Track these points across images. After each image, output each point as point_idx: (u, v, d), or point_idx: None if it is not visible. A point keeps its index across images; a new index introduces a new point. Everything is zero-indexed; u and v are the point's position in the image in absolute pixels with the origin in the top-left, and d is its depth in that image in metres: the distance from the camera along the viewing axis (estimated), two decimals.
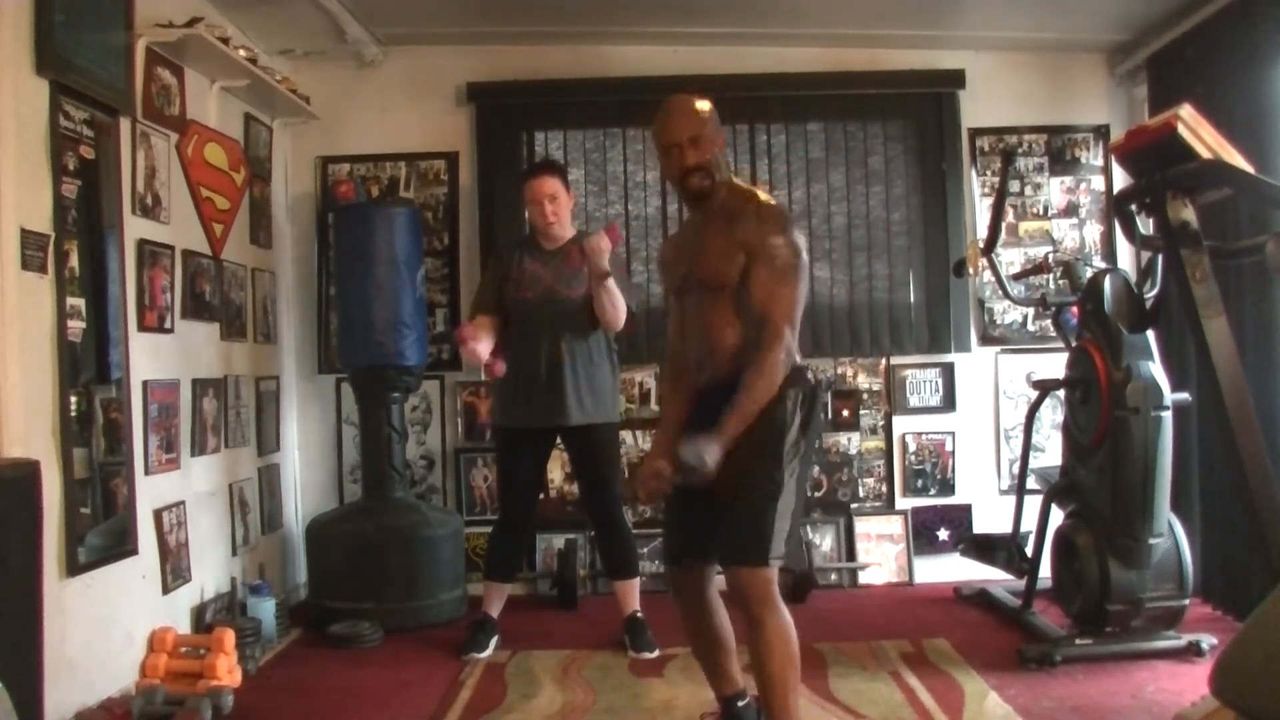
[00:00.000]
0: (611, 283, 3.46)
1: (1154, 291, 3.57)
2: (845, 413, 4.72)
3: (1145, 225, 3.29)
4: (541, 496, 4.17)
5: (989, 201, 4.49)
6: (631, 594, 3.73)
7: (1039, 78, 4.75)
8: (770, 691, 2.40)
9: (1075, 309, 3.78)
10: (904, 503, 4.72)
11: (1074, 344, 3.74)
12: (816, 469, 4.69)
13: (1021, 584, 3.86)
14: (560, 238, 3.68)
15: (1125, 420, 3.33)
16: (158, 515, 3.39)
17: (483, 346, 3.50)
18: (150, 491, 3.34)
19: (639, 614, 3.69)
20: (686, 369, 2.60)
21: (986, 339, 4.75)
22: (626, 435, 4.54)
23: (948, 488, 4.73)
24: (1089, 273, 3.75)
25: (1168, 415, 3.34)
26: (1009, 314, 4.73)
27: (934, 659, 3.46)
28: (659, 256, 2.82)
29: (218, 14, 3.85)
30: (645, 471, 2.49)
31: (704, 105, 2.52)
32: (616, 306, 3.51)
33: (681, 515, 2.59)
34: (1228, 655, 1.80)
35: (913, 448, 4.74)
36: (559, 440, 3.81)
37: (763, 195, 2.59)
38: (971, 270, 4.15)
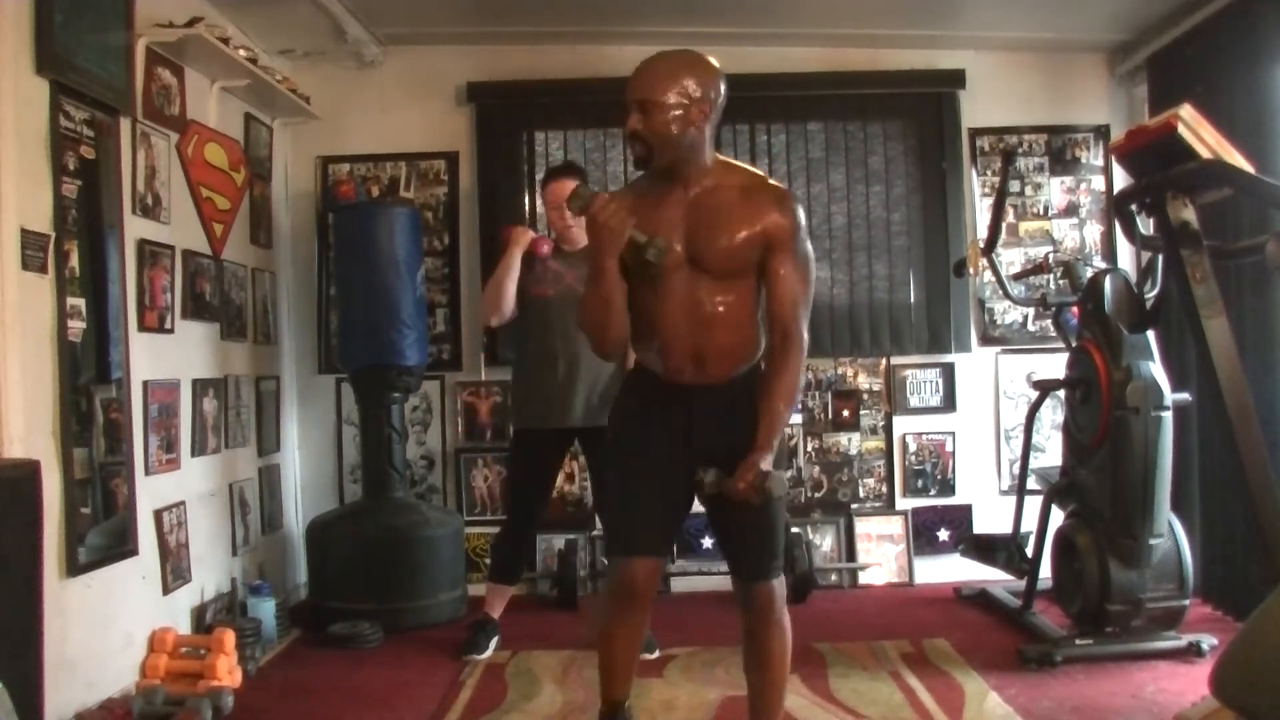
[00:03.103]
0: None
1: (1154, 291, 3.57)
2: (845, 413, 4.72)
3: (1145, 225, 3.29)
4: None
5: (989, 201, 4.49)
6: None
7: (1039, 78, 4.75)
8: (778, 691, 2.45)
9: (1075, 309, 3.78)
10: (904, 503, 4.72)
11: (1074, 344, 3.74)
12: (816, 469, 4.72)
13: (1021, 584, 3.86)
14: (578, 242, 3.62)
15: (1125, 420, 3.33)
16: (158, 515, 3.39)
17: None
18: (150, 491, 3.34)
19: None
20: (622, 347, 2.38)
21: (986, 339, 4.75)
22: None
23: (948, 488, 4.72)
24: (1089, 273, 3.75)
25: (1168, 415, 3.34)
26: (1009, 314, 4.73)
27: (934, 659, 3.46)
28: (600, 208, 2.21)
29: (218, 14, 3.85)
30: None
31: (677, 67, 2.22)
32: None
33: (651, 506, 2.36)
34: (1228, 655, 1.80)
35: (913, 448, 4.74)
36: (576, 443, 3.81)
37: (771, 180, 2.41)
38: (971, 270, 4.16)
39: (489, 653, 3.64)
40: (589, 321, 2.33)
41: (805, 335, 2.26)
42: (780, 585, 2.40)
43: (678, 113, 2.20)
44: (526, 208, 4.70)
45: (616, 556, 2.41)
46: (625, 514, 2.42)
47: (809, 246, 2.30)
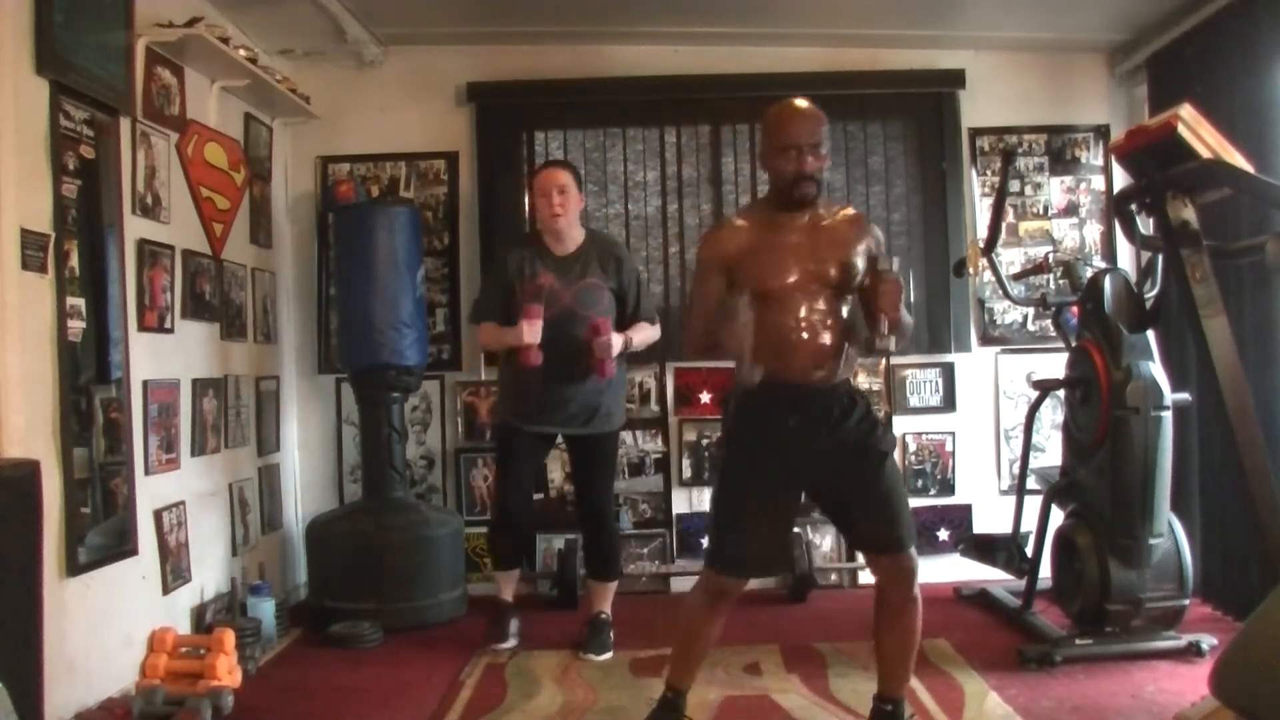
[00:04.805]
0: (639, 338, 3.63)
1: (1154, 291, 3.57)
2: None
3: (1145, 225, 3.28)
4: (540, 496, 4.17)
5: (989, 201, 4.49)
6: (606, 596, 3.75)
7: (1039, 78, 4.74)
8: (910, 660, 2.75)
9: (1075, 309, 3.78)
10: None
11: (1074, 344, 3.74)
12: None
13: (1021, 584, 3.85)
14: (568, 237, 3.61)
15: (1125, 420, 3.33)
16: (158, 515, 3.39)
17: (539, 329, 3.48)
18: (150, 491, 3.34)
19: (605, 615, 3.70)
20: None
21: (986, 339, 4.75)
22: (626, 435, 4.51)
23: (948, 488, 4.72)
24: (1089, 273, 3.74)
25: (1168, 415, 3.34)
26: (1009, 314, 4.73)
27: (934, 659, 3.46)
28: (726, 245, 2.62)
29: (218, 14, 3.85)
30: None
31: (817, 113, 2.63)
32: (650, 343, 3.73)
33: (764, 529, 2.65)
34: (1228, 655, 1.81)
35: (913, 448, 4.74)
36: (559, 439, 3.83)
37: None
38: (971, 270, 4.15)
39: (513, 641, 3.67)
40: (701, 344, 2.68)
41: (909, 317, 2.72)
42: (916, 558, 2.65)
43: (824, 152, 2.61)
44: (526, 208, 4.69)
45: (718, 570, 2.66)
46: (733, 535, 2.66)
47: None
